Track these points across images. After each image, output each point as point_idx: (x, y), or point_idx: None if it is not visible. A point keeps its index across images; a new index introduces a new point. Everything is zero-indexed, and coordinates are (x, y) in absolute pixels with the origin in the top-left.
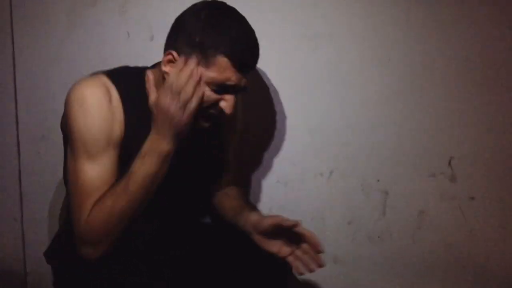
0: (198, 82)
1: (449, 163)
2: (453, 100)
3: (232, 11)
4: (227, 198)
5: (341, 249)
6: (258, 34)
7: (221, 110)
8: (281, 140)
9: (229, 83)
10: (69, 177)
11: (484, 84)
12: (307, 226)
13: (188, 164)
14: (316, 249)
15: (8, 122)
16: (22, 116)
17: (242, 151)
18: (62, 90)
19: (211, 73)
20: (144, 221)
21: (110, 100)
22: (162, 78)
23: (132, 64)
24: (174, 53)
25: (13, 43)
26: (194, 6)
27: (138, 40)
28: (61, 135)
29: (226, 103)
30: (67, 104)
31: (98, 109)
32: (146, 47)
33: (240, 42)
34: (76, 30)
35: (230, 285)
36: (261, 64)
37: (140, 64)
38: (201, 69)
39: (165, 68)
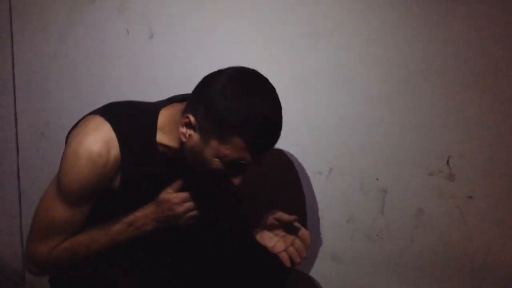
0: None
1: (448, 162)
2: (452, 99)
3: (261, 86)
4: None
5: (339, 247)
6: (258, 33)
7: (230, 181)
8: (280, 138)
9: (242, 162)
10: (41, 201)
11: (483, 83)
12: (306, 224)
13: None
14: (306, 243)
15: (7, 120)
16: (21, 113)
17: None
18: (61, 88)
19: (225, 150)
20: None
21: (107, 160)
22: (177, 137)
23: (131, 62)
24: (192, 119)
25: (12, 40)
26: (227, 71)
27: (138, 38)
28: (60, 133)
29: (236, 178)
30: (67, 146)
31: (92, 168)
32: (145, 45)
33: (261, 127)
34: (75, 28)
35: (230, 284)
36: (261, 63)
37: (139, 62)
38: (215, 143)
39: (182, 130)
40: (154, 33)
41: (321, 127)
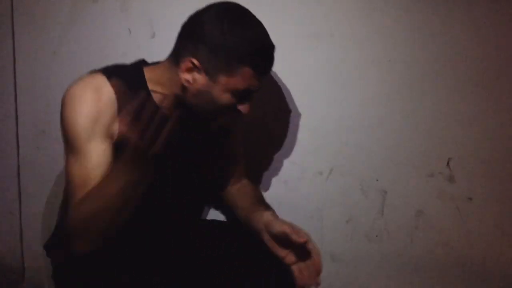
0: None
1: (448, 163)
2: (453, 100)
3: (250, 16)
4: (240, 196)
5: (339, 248)
6: None
7: (238, 111)
8: (281, 139)
9: (251, 89)
10: (66, 174)
11: (483, 85)
12: (306, 224)
13: (198, 157)
14: (317, 270)
15: (8, 117)
16: (21, 111)
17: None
18: (62, 86)
19: (234, 81)
20: (146, 217)
21: (99, 99)
22: (180, 85)
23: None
24: (195, 61)
25: (13, 38)
26: (210, 9)
27: (140, 37)
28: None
29: (244, 106)
30: (62, 97)
31: (83, 106)
32: (147, 44)
33: (263, 52)
34: (77, 26)
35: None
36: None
37: None
38: (223, 79)
39: (185, 76)
40: (156, 33)
41: (321, 127)
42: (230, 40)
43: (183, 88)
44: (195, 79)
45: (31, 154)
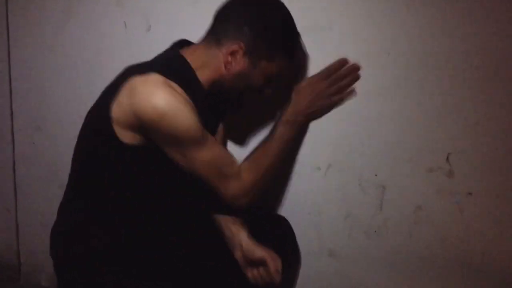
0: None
1: (447, 158)
2: (452, 95)
3: (284, 6)
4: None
5: (337, 244)
6: None
7: (262, 92)
8: None
9: (281, 74)
10: (194, 168)
11: (483, 79)
12: (304, 220)
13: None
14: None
15: (3, 113)
16: (16, 106)
17: (239, 146)
18: (58, 81)
19: (271, 67)
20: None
21: (180, 95)
22: (221, 65)
23: (129, 55)
24: (242, 45)
25: (8, 33)
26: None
27: (135, 31)
28: (56, 126)
29: (269, 89)
30: (154, 113)
31: (182, 109)
32: (143, 38)
33: (297, 45)
34: (72, 20)
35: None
36: None
37: (137, 54)
38: (264, 63)
39: (228, 59)
40: (151, 26)
41: (319, 122)
42: (273, 29)
43: (223, 68)
44: (238, 61)
45: (27, 150)
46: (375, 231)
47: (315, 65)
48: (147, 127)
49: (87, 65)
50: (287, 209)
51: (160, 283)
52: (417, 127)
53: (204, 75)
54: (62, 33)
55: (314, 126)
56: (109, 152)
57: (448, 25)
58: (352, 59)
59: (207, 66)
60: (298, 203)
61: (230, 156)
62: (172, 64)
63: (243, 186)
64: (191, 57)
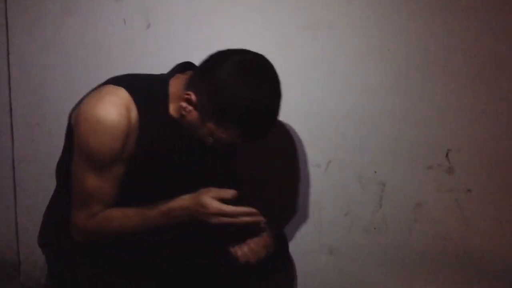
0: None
1: (447, 155)
2: (452, 92)
3: (265, 77)
4: None
5: (337, 241)
6: (256, 24)
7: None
8: (278, 131)
9: (236, 145)
10: (74, 172)
11: (483, 76)
12: (304, 217)
13: (204, 172)
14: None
15: (2, 110)
16: (16, 103)
17: None
18: (57, 78)
19: (221, 134)
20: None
21: (129, 121)
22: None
23: (128, 52)
24: (193, 98)
25: (7, 30)
26: (232, 58)
27: (135, 28)
28: (55, 123)
29: (225, 150)
30: (83, 115)
31: (114, 131)
32: (142, 35)
33: (258, 121)
34: (72, 17)
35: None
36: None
37: (136, 52)
38: (212, 126)
39: (182, 104)
40: (151, 23)
41: (319, 119)
42: (229, 97)
43: (181, 113)
44: (190, 111)
45: (26, 147)
46: (374, 228)
47: (315, 62)
48: (73, 127)
49: (86, 62)
50: (286, 207)
51: (144, 282)
52: (417, 124)
53: (175, 107)
54: (61, 30)
55: (314, 124)
56: None
57: (448, 22)
58: (352, 56)
59: (178, 100)
60: (297, 201)
61: (107, 196)
62: (152, 87)
63: (83, 227)
64: (174, 86)
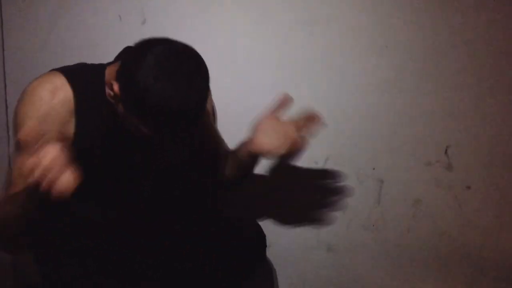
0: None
1: (446, 151)
2: (450, 88)
3: (181, 73)
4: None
5: (335, 237)
6: (253, 20)
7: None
8: None
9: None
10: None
11: (482, 72)
12: (302, 214)
13: (181, 162)
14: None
15: None
16: (11, 100)
17: (236, 140)
18: None
19: (141, 127)
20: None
21: (52, 98)
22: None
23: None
24: (116, 88)
25: (2, 26)
26: (152, 51)
27: (130, 24)
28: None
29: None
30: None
31: (34, 105)
32: (138, 31)
33: (169, 118)
34: (67, 13)
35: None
36: (256, 51)
37: None
38: (133, 118)
39: (108, 91)
40: (146, 19)
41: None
42: (138, 90)
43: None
44: (117, 101)
45: None
46: (373, 225)
47: (314, 60)
48: None
49: (82, 59)
50: (284, 204)
51: (132, 282)
52: (416, 121)
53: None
54: (57, 26)
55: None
56: None
57: (447, 19)
58: (350, 52)
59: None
60: (295, 197)
61: (16, 180)
62: (90, 72)
63: None
64: (109, 73)
